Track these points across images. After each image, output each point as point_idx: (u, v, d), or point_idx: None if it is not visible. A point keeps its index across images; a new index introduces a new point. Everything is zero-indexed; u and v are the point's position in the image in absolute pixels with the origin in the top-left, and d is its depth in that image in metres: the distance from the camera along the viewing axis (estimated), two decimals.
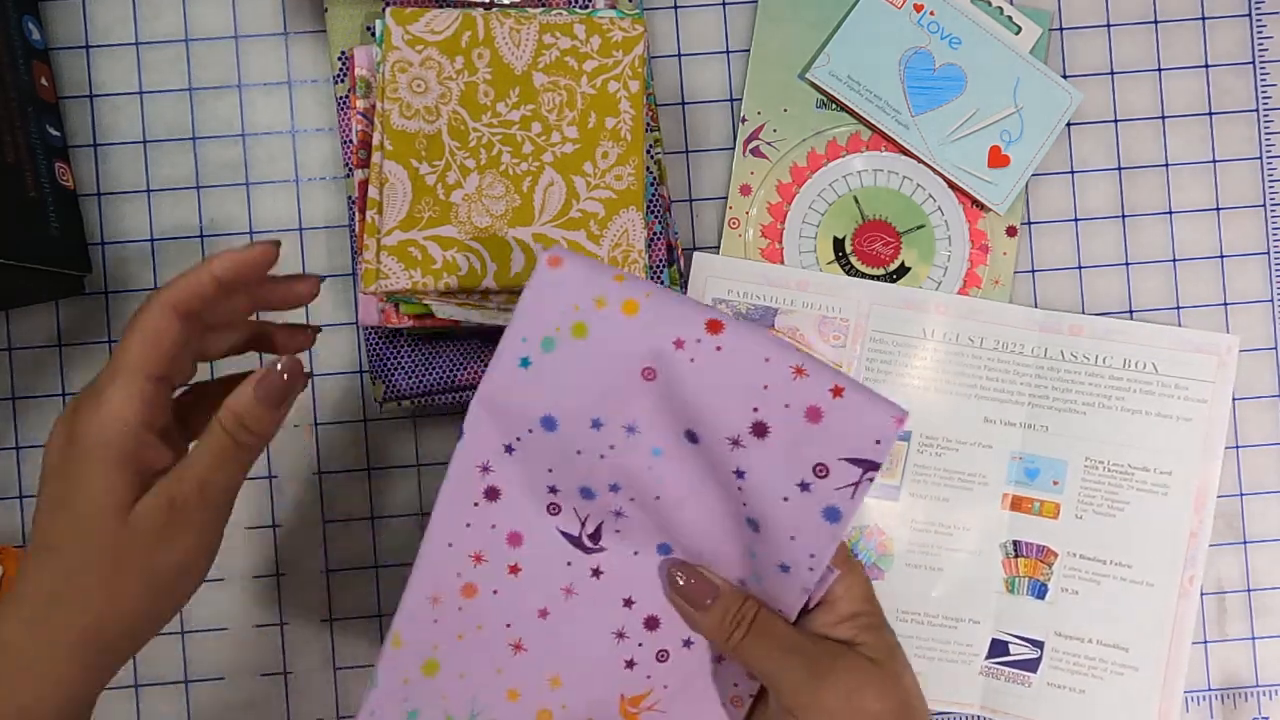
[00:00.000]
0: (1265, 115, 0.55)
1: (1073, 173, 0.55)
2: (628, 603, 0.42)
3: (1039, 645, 0.53)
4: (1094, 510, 0.53)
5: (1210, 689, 0.54)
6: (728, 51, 0.55)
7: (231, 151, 0.54)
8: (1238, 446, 0.55)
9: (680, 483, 0.39)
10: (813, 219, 0.54)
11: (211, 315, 0.38)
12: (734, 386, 0.37)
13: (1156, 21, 0.55)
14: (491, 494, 0.41)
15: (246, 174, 0.54)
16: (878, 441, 0.37)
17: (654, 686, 0.42)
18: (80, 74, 0.54)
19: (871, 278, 0.54)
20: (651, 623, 0.42)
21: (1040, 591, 0.53)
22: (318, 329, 0.44)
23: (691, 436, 0.39)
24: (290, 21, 0.54)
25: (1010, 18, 0.54)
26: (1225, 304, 0.55)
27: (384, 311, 0.48)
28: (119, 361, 0.36)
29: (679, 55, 0.55)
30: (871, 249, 0.54)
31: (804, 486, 0.37)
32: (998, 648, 0.53)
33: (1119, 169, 0.55)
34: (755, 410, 0.37)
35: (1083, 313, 0.55)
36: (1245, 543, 0.55)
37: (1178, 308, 0.55)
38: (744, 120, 0.54)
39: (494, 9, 0.49)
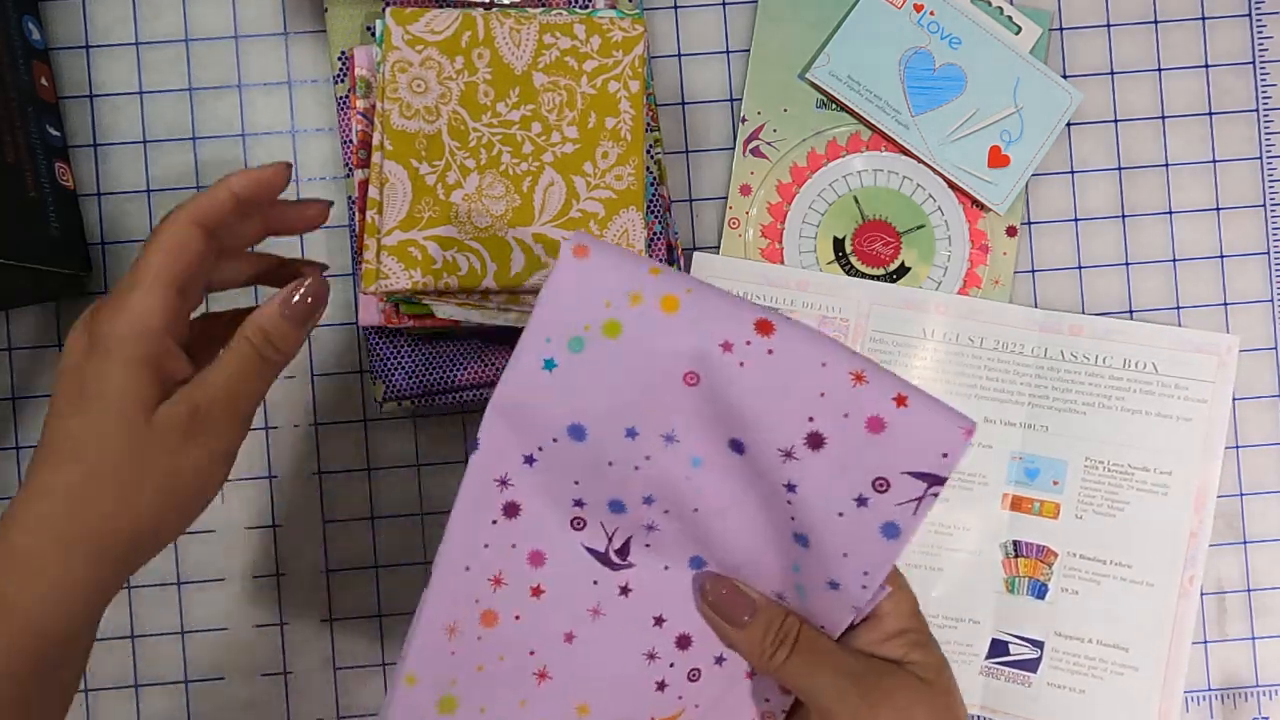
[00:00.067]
0: (1265, 115, 0.55)
1: (1073, 173, 0.55)
2: (658, 621, 0.39)
3: (1039, 645, 0.53)
4: (1094, 510, 0.53)
5: (1210, 689, 0.54)
6: (728, 51, 0.55)
7: (231, 151, 0.54)
8: (1238, 446, 0.55)
9: (721, 494, 0.37)
10: (813, 219, 0.54)
11: (228, 236, 0.38)
12: (788, 394, 0.34)
13: (1156, 21, 0.55)
14: (511, 510, 0.37)
15: None
16: (945, 455, 0.34)
17: (685, 707, 0.39)
18: (80, 74, 0.54)
19: (871, 278, 0.54)
20: (683, 641, 0.39)
21: (1040, 591, 0.53)
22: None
23: (736, 446, 0.36)
24: (290, 21, 0.54)
25: (1010, 18, 0.54)
26: (1225, 304, 0.55)
27: (384, 311, 0.48)
28: (140, 271, 0.35)
29: (679, 55, 0.55)
30: (871, 249, 0.54)
31: (861, 501, 0.35)
32: (998, 648, 0.53)
33: (1119, 169, 0.55)
34: (811, 420, 0.34)
35: (1083, 313, 0.55)
36: (1245, 543, 0.55)
37: (1178, 308, 0.55)
38: (744, 120, 0.54)
39: (494, 9, 0.49)
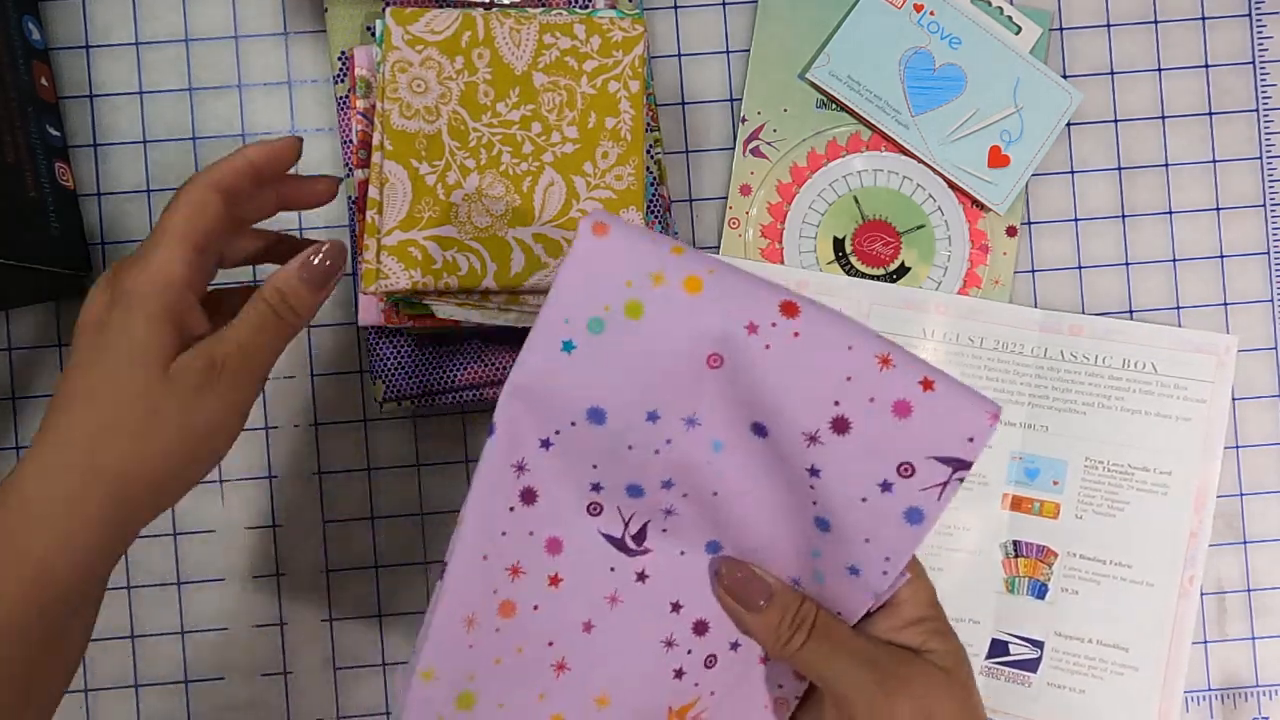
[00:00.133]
0: (1265, 115, 0.55)
1: (1073, 173, 0.55)
2: (675, 607, 0.39)
3: (1039, 645, 0.53)
4: (1094, 510, 0.53)
5: (1210, 689, 0.54)
6: (728, 51, 0.55)
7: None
8: (1238, 446, 0.55)
9: (742, 478, 0.36)
10: (813, 219, 0.54)
11: (243, 206, 0.39)
12: (813, 377, 0.34)
13: (1156, 21, 0.55)
14: (528, 496, 0.37)
15: None
16: (970, 439, 0.34)
17: (701, 694, 0.39)
18: (80, 74, 0.54)
19: (871, 278, 0.54)
20: (700, 627, 0.39)
21: (1040, 591, 0.53)
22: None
23: (759, 429, 0.35)
24: (290, 21, 0.54)
25: (1010, 18, 0.54)
26: (1225, 304, 0.55)
27: (384, 311, 0.48)
28: (162, 230, 0.36)
29: (679, 55, 0.55)
30: (871, 249, 0.54)
31: (885, 486, 0.34)
32: (998, 648, 0.53)
33: (1119, 169, 0.55)
34: (836, 404, 0.34)
35: (1083, 313, 0.55)
36: (1245, 543, 0.55)
37: (1178, 308, 0.55)
38: (744, 120, 0.54)
39: (494, 9, 0.49)
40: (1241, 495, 0.55)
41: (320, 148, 0.54)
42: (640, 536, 0.38)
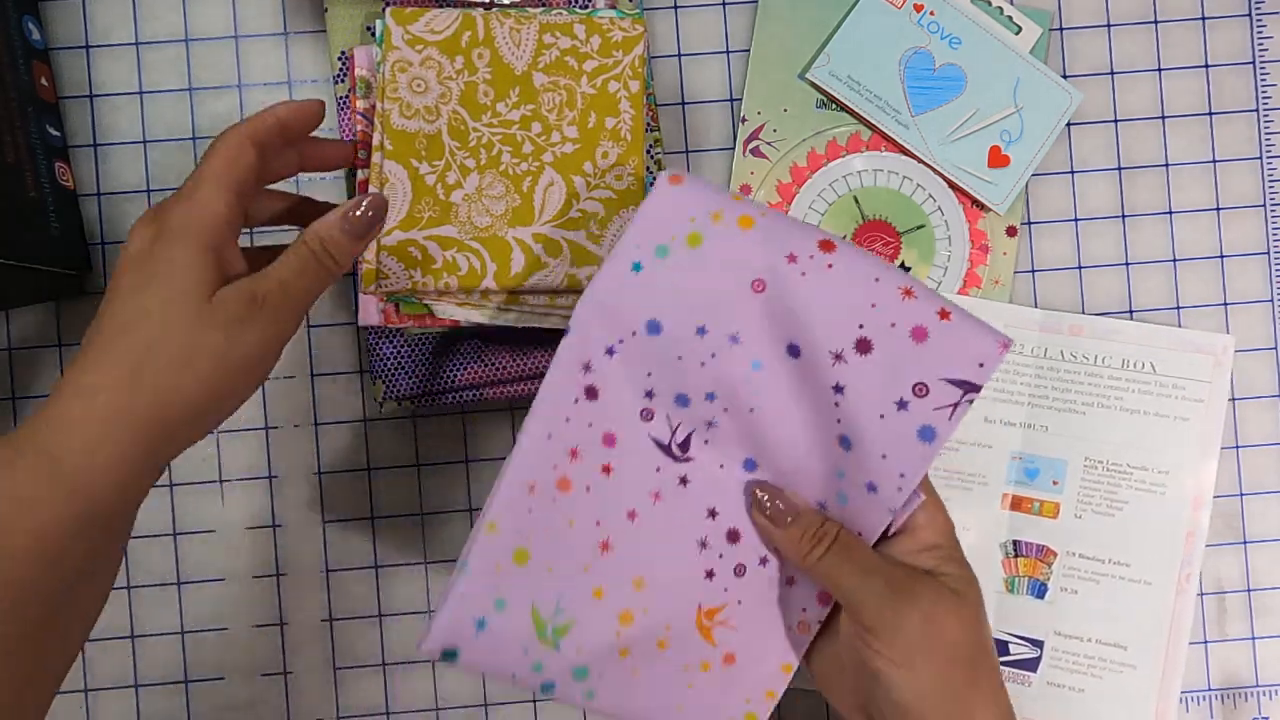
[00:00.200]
0: (1265, 115, 0.55)
1: (1073, 173, 0.55)
2: (712, 513, 0.42)
3: (1039, 645, 0.53)
4: (1093, 510, 0.53)
5: (1210, 689, 0.55)
6: (728, 51, 0.55)
7: None
8: (1237, 446, 0.55)
9: (776, 398, 0.40)
10: (813, 219, 0.54)
11: (270, 161, 0.41)
12: (842, 302, 0.38)
13: (1156, 21, 0.55)
14: (591, 393, 0.41)
15: None
16: (981, 364, 0.37)
17: (729, 600, 0.42)
18: (80, 74, 0.54)
19: None
20: (733, 535, 0.42)
21: (1040, 591, 0.53)
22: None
23: (793, 351, 0.39)
24: (290, 21, 0.54)
25: (1010, 18, 0.54)
26: (1225, 304, 0.55)
27: (384, 311, 0.48)
28: (201, 174, 0.38)
29: (679, 55, 0.55)
30: (872, 249, 0.54)
31: (901, 405, 0.38)
32: (998, 647, 0.53)
33: (1119, 169, 0.55)
34: (861, 327, 0.38)
35: (1083, 313, 0.55)
36: (1245, 543, 0.55)
37: (1178, 308, 0.55)
38: (744, 120, 0.54)
39: (494, 9, 0.49)
40: (1241, 495, 0.55)
41: None
42: (685, 445, 0.42)
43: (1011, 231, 0.54)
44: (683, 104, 0.55)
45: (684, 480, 0.42)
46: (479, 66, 0.48)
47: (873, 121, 0.54)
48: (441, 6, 0.50)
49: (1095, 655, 0.53)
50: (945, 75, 0.54)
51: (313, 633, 0.53)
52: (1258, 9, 0.55)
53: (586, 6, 0.51)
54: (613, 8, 0.51)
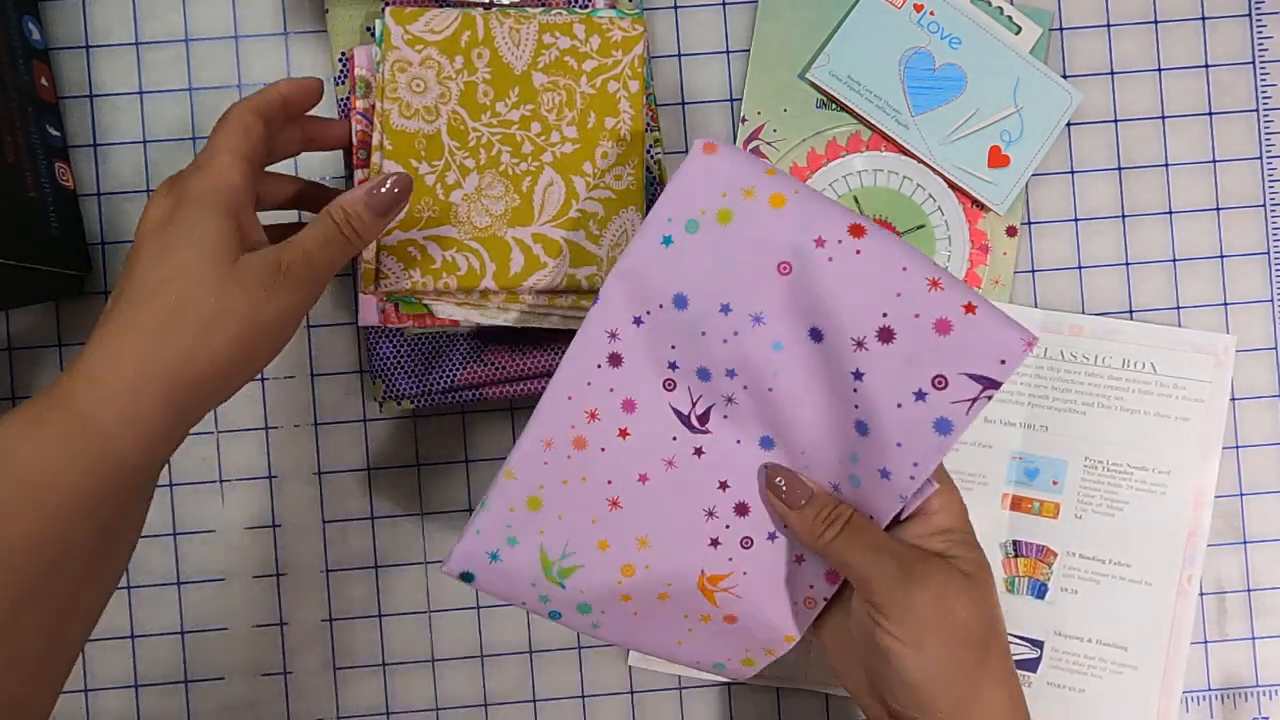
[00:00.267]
0: (1265, 115, 0.55)
1: (1073, 173, 0.55)
2: (723, 485, 0.43)
3: (1039, 645, 0.53)
4: (1093, 510, 0.53)
5: (1210, 689, 0.55)
6: (728, 51, 0.55)
7: None
8: (1238, 446, 0.55)
9: (795, 379, 0.41)
10: None
11: (275, 137, 0.42)
12: (867, 289, 0.38)
13: (1156, 21, 0.55)
14: (615, 360, 0.42)
15: None
16: (1002, 361, 0.37)
17: (734, 570, 0.43)
18: (80, 74, 0.54)
19: None
20: (742, 509, 0.43)
21: (1040, 591, 0.53)
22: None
23: (815, 335, 0.40)
24: (290, 21, 0.54)
25: (1010, 18, 0.54)
26: (1225, 304, 0.55)
27: (384, 311, 0.48)
28: (215, 146, 0.39)
29: (679, 55, 0.55)
30: None
31: (920, 395, 0.38)
32: None
33: (1119, 169, 0.55)
34: (884, 315, 0.38)
35: (1083, 313, 0.55)
36: (1245, 543, 0.55)
37: (1178, 308, 0.55)
38: (744, 120, 0.54)
39: (494, 9, 0.49)
40: (1241, 495, 0.55)
41: None
42: (704, 418, 0.43)
43: (1011, 231, 0.54)
44: (683, 104, 0.55)
45: (699, 451, 0.43)
46: (478, 66, 0.48)
47: (873, 121, 0.54)
48: (441, 6, 0.50)
49: (1096, 655, 0.53)
50: (945, 75, 0.54)
51: (313, 633, 0.54)
52: (1258, 9, 0.55)
53: (586, 6, 0.51)
54: (612, 8, 0.51)
